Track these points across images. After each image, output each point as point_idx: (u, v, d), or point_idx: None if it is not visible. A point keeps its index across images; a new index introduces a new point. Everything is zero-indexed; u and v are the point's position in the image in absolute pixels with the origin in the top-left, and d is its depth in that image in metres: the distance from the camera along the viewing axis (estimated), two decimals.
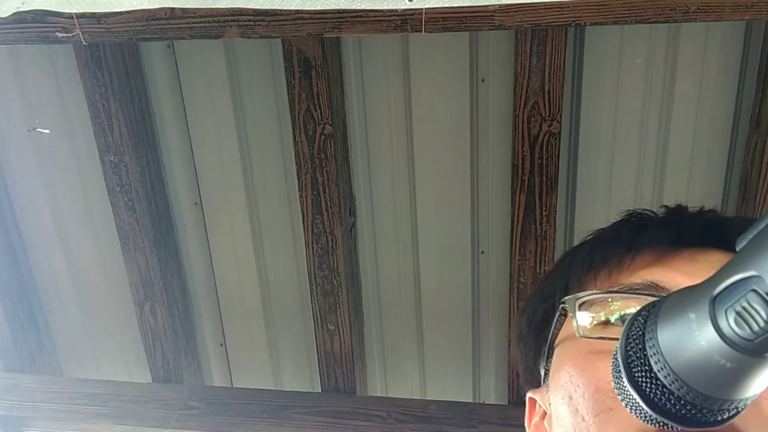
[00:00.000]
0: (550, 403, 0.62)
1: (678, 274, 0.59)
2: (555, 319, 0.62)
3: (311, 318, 2.19)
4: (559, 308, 0.62)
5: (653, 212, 0.68)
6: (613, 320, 0.58)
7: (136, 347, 2.43)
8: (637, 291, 0.58)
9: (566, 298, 0.62)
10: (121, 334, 2.48)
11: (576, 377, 0.57)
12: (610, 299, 0.59)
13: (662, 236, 0.63)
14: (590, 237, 0.70)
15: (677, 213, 0.67)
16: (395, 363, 2.40)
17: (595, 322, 0.59)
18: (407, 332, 2.33)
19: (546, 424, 0.64)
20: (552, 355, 0.63)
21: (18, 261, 2.41)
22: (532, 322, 0.69)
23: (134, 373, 2.52)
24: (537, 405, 0.67)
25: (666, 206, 0.68)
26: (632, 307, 0.57)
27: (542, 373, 0.66)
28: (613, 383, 0.47)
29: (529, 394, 0.69)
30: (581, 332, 0.58)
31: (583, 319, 0.59)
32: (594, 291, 0.61)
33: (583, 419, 0.55)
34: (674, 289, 0.55)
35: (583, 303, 0.60)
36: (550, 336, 0.63)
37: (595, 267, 0.64)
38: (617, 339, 0.56)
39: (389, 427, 2.11)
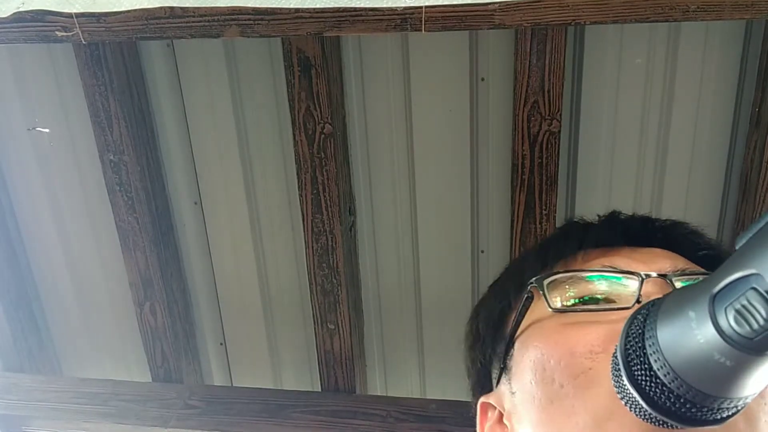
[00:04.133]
0: (513, 393, 0.63)
1: (627, 260, 0.64)
2: (521, 306, 0.64)
3: (311, 317, 2.19)
4: (528, 290, 0.64)
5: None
6: (578, 302, 0.62)
7: (136, 347, 2.43)
8: (601, 271, 0.63)
9: (534, 279, 0.64)
10: (121, 333, 2.48)
11: (549, 348, 0.58)
12: (576, 285, 0.62)
13: (606, 235, 0.70)
14: (535, 245, 0.76)
15: (614, 216, 0.74)
16: (395, 362, 2.40)
17: (564, 305, 0.62)
18: (407, 331, 2.33)
19: (506, 422, 0.64)
20: (512, 348, 0.64)
21: (18, 261, 2.41)
22: (490, 321, 0.71)
23: (134, 373, 2.52)
24: (489, 410, 0.67)
25: (599, 215, 0.75)
26: (590, 291, 0.61)
27: (496, 373, 0.67)
28: (612, 382, 0.47)
29: (481, 400, 0.69)
30: (554, 304, 0.62)
31: (553, 299, 0.63)
32: (561, 270, 0.65)
33: (562, 386, 0.56)
34: (631, 271, 0.61)
35: (550, 285, 0.63)
36: (509, 331, 0.65)
37: (549, 264, 0.68)
38: (588, 311, 0.60)
39: (389, 427, 2.11)
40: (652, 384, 0.43)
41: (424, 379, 2.40)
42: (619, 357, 0.46)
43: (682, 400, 0.42)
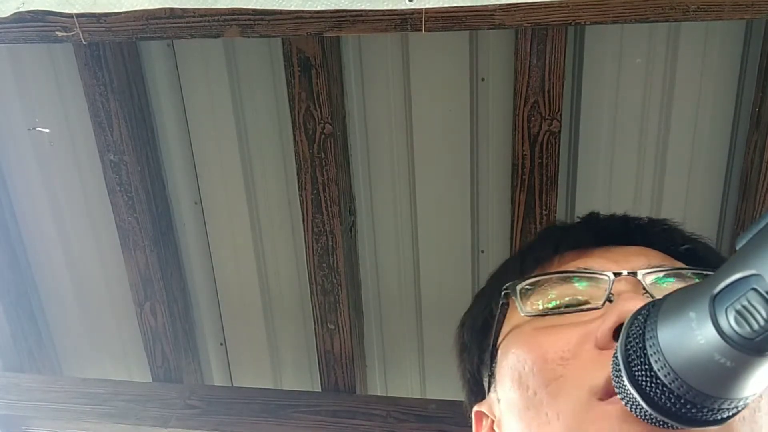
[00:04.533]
0: (499, 400, 0.63)
1: (601, 260, 0.64)
2: (498, 313, 0.65)
3: (311, 317, 2.19)
4: (502, 296, 0.65)
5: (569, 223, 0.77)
6: (551, 306, 0.62)
7: (136, 346, 2.43)
8: (571, 272, 0.63)
9: (508, 284, 0.65)
10: (121, 333, 2.48)
11: (524, 354, 0.59)
12: (548, 288, 0.63)
13: (582, 237, 0.69)
14: (516, 251, 0.76)
15: (592, 217, 0.74)
16: (395, 362, 2.40)
17: (536, 309, 0.62)
18: (407, 331, 2.33)
19: (496, 429, 0.65)
20: (496, 356, 0.65)
21: (18, 261, 2.41)
22: (474, 330, 0.71)
23: (134, 373, 2.52)
24: (483, 418, 0.68)
25: (579, 217, 0.75)
26: (563, 293, 0.62)
27: (486, 381, 0.67)
28: (613, 382, 0.47)
29: (475, 409, 0.69)
30: (526, 310, 0.62)
31: (526, 305, 0.63)
32: (533, 275, 0.65)
33: (535, 393, 0.56)
34: (602, 270, 0.61)
35: (523, 291, 0.64)
36: (492, 339, 0.65)
37: (526, 270, 0.68)
38: (560, 314, 0.60)
39: (389, 426, 2.11)
40: (653, 384, 0.43)
41: (424, 379, 2.40)
42: (619, 357, 0.46)
43: (682, 401, 0.42)
